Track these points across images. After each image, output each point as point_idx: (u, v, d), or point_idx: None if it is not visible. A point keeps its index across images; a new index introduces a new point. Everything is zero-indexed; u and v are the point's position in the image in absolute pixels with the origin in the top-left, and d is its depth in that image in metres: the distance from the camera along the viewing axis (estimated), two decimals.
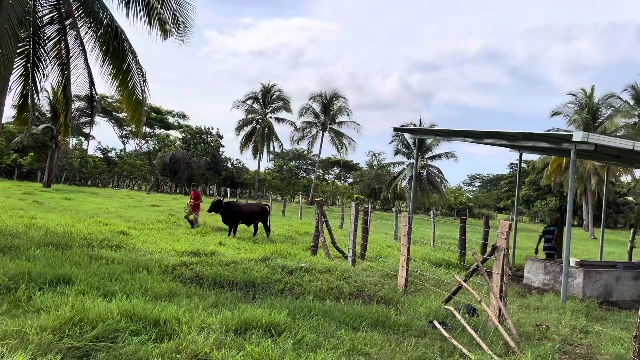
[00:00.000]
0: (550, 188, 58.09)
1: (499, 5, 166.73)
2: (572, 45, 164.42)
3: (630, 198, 67.67)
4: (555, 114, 46.10)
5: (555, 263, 10.98)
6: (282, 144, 63.02)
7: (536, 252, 13.43)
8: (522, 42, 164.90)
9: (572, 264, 10.41)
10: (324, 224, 12.08)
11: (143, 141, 70.37)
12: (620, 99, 44.58)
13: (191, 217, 16.65)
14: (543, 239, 13.43)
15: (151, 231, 14.23)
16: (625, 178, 55.92)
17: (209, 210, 15.37)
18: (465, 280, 7.43)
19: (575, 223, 63.34)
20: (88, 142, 64.63)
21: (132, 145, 73.31)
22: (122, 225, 14.69)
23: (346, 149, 59.62)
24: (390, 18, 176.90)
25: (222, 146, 68.44)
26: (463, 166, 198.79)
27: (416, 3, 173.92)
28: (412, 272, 9.74)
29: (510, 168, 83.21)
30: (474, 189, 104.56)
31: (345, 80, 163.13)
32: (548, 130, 42.32)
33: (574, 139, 8.72)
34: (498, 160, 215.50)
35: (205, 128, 67.20)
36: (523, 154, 15.13)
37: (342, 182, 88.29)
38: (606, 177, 17.32)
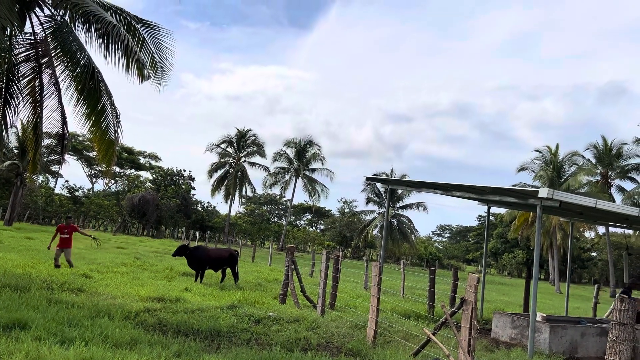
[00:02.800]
0: (517, 241, 59.13)
1: (469, 62, 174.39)
2: (538, 103, 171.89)
3: (594, 254, 69.28)
4: (522, 169, 47.63)
5: (522, 317, 11.05)
6: (254, 189, 62.98)
7: None
8: (491, 99, 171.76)
9: (538, 318, 10.48)
10: (294, 271, 11.94)
11: (112, 181, 69.22)
12: (583, 157, 46.50)
13: (62, 259, 14.09)
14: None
15: (115, 274, 13.78)
16: (589, 234, 57.41)
17: (174, 255, 15.06)
18: (434, 334, 7.38)
19: (542, 277, 64.22)
20: (56, 181, 63.20)
21: (100, 184, 72.06)
22: (85, 267, 14.21)
23: (319, 195, 59.91)
24: (365, 70, 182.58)
25: (194, 189, 67.90)
26: (433, 217, 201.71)
27: (390, 57, 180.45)
28: (382, 323, 9.64)
29: (479, 220, 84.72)
30: (444, 239, 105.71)
31: (320, 128, 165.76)
32: (515, 185, 43.51)
33: (539, 195, 8.97)
34: (467, 212, 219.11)
35: (177, 170, 66.72)
36: (491, 207, 15.45)
37: (314, 228, 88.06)
38: (571, 232, 17.74)
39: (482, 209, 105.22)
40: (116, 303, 8.94)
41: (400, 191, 54.04)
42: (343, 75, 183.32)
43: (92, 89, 10.87)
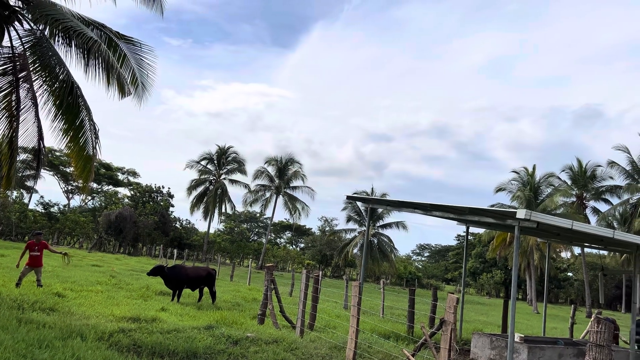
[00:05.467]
0: (495, 261, 59.66)
1: (448, 84, 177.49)
2: (515, 125, 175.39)
3: (570, 274, 70.22)
4: (499, 189, 48.28)
5: (501, 338, 11.08)
6: (234, 206, 62.50)
7: None
8: (469, 120, 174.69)
9: (517, 339, 10.53)
10: (273, 291, 11.82)
11: (89, 197, 68.02)
12: (559, 178, 47.41)
13: (29, 276, 13.62)
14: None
15: (89, 293, 13.45)
16: (565, 254, 58.28)
17: (149, 274, 14.79)
18: (413, 355, 7.35)
19: (519, 297, 64.74)
20: (30, 196, 61.81)
21: (77, 200, 70.70)
22: (58, 286, 13.83)
23: (299, 213, 59.70)
24: (346, 89, 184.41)
25: (172, 206, 67.07)
26: (413, 236, 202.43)
27: (371, 77, 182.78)
28: (361, 344, 9.56)
29: (458, 240, 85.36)
30: (423, 258, 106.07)
31: (301, 146, 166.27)
32: (493, 205, 44.10)
33: (517, 216, 9.07)
34: (446, 232, 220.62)
35: (155, 187, 65.92)
36: (470, 227, 15.58)
37: (294, 247, 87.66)
38: (547, 253, 17.95)
39: (461, 229, 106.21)
40: (90, 323, 8.70)
41: (380, 210, 54.20)
42: (324, 94, 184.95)
43: (70, 104, 10.74)
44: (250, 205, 61.50)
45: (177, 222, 67.62)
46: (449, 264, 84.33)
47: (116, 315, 9.89)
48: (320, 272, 22.77)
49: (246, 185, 59.87)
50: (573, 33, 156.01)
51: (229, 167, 60.50)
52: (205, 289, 15.55)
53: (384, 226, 56.46)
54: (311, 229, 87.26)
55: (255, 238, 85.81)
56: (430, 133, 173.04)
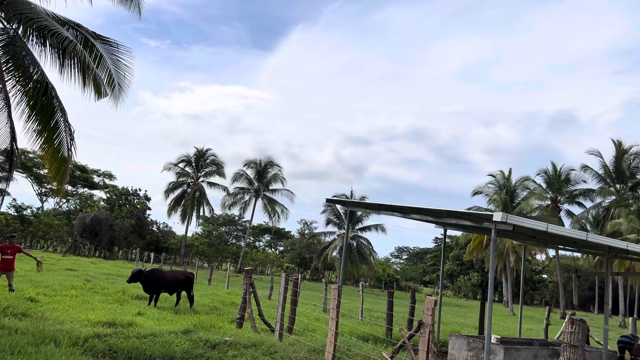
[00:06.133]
0: (472, 263, 60.45)
1: (426, 88, 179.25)
2: (491, 129, 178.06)
3: (545, 276, 71.54)
4: (476, 193, 48.98)
5: (477, 340, 11.22)
6: (212, 209, 61.96)
7: None
8: (446, 124, 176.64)
9: (493, 341, 10.67)
10: (252, 294, 11.75)
11: (64, 200, 66.73)
12: (535, 182, 48.34)
13: (1, 280, 13.36)
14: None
15: (63, 298, 13.18)
16: (541, 257, 59.31)
17: (129, 281, 14.58)
18: (392, 357, 7.39)
19: (496, 299, 65.67)
20: (2, 199, 60.27)
21: (51, 203, 69.31)
22: (31, 290, 13.52)
23: (279, 216, 59.46)
24: (326, 92, 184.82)
25: (149, 209, 66.23)
26: (391, 238, 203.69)
27: (350, 81, 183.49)
28: (340, 347, 9.57)
29: (436, 242, 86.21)
30: (402, 261, 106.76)
31: (281, 149, 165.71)
32: (470, 208, 44.63)
33: (494, 219, 9.21)
34: (424, 234, 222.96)
35: (132, 189, 65.02)
36: (447, 230, 15.75)
37: (273, 250, 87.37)
38: (523, 255, 18.28)
39: (439, 231, 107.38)
40: (64, 328, 8.52)
41: (359, 213, 54.39)
42: (304, 97, 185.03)
43: (45, 105, 10.52)
44: (229, 208, 61.12)
45: (154, 225, 66.80)
46: (427, 266, 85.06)
47: (91, 320, 9.71)
48: (300, 275, 22.73)
49: (225, 188, 59.47)
50: (547, 40, 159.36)
51: (207, 170, 59.98)
52: (183, 293, 15.40)
53: (363, 229, 56.69)
54: (290, 232, 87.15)
55: (234, 241, 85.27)
56: (409, 136, 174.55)
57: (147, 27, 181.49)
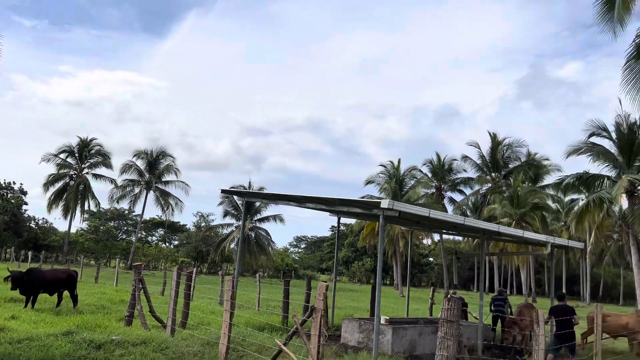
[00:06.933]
0: (366, 249, 63.04)
1: (322, 81, 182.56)
2: (383, 122, 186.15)
3: (431, 259, 76.69)
4: (369, 182, 51.09)
5: (368, 322, 11.75)
6: (99, 203, 58.15)
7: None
8: (342, 117, 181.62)
9: (382, 322, 11.25)
10: (142, 290, 11.26)
11: None
12: (421, 171, 51.48)
13: None
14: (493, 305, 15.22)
15: None
16: (427, 241, 63.40)
17: (13, 288, 12.98)
18: (285, 344, 7.50)
19: (387, 282, 69.18)
20: None
21: None
22: None
23: (172, 209, 57.29)
24: (222, 82, 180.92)
25: (26, 204, 60.57)
26: (290, 228, 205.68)
27: (247, 70, 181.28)
28: (235, 338, 9.51)
29: (332, 231, 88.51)
30: (300, 250, 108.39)
31: (175, 139, 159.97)
32: (363, 197, 46.44)
33: (381, 206, 9.69)
34: (322, 223, 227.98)
35: (5, 183, 58.96)
36: (341, 218, 16.27)
37: (167, 244, 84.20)
38: (410, 240, 19.45)
39: (334, 220, 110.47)
40: None
41: (258, 204, 54.22)
42: (199, 86, 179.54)
43: None
44: (118, 202, 57.74)
45: (32, 222, 61.32)
46: (324, 254, 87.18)
47: None
48: (195, 269, 22.16)
49: (112, 180, 55.95)
50: (433, 37, 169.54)
51: (92, 161, 55.98)
52: (66, 293, 14.34)
53: (262, 220, 56.61)
54: (186, 225, 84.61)
55: (124, 237, 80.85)
56: (307, 128, 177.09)
57: (21, 4, 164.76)
